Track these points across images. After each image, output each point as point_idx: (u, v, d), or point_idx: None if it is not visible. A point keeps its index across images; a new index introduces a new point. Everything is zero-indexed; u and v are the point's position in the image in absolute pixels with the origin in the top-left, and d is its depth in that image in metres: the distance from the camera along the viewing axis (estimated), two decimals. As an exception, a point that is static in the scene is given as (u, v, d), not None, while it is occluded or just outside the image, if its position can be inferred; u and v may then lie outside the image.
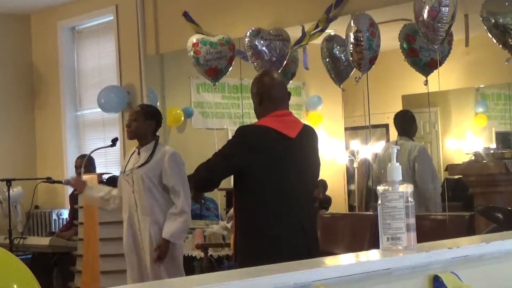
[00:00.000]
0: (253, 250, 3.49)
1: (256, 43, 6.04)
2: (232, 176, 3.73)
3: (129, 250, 4.99)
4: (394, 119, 6.74)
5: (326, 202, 7.70)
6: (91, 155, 6.83)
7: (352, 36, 5.57)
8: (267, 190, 3.52)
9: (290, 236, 3.51)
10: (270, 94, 3.66)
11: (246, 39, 6.05)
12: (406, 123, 6.62)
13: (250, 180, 3.53)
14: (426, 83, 5.64)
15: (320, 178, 3.97)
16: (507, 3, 5.05)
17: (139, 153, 4.97)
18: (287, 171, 3.56)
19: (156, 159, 4.90)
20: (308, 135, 3.69)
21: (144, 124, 4.94)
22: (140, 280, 4.90)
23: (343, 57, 6.05)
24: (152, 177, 4.88)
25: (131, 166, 4.97)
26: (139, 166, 4.92)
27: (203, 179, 3.69)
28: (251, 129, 3.72)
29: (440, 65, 5.69)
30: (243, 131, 3.67)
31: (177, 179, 4.86)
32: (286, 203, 3.53)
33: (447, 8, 4.92)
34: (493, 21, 4.99)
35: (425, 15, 4.97)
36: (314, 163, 3.72)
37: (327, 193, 7.81)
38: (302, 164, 3.62)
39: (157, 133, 5.10)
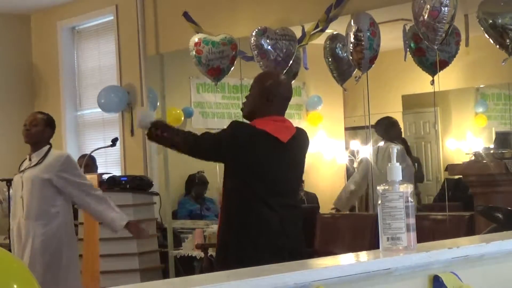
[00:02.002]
0: (233, 246, 3.56)
1: (262, 42, 5.99)
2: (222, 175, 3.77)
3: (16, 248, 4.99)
4: (377, 125, 6.83)
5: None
6: (93, 154, 6.85)
7: (352, 35, 5.56)
8: (251, 188, 3.56)
9: (271, 235, 3.55)
10: (280, 95, 3.69)
11: (252, 38, 6.00)
12: (389, 127, 6.77)
13: (235, 176, 3.59)
14: (432, 82, 5.65)
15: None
16: (502, 3, 5.05)
17: (30, 159, 5.01)
18: (273, 171, 3.60)
19: (48, 162, 4.91)
20: (298, 140, 3.73)
21: (43, 131, 5.03)
22: None
23: (346, 57, 6.03)
24: (43, 179, 4.89)
25: (22, 169, 5.02)
26: (29, 168, 4.94)
27: (186, 143, 3.65)
28: (244, 125, 3.73)
29: (447, 65, 5.70)
30: (236, 126, 3.68)
31: (81, 179, 4.95)
32: (269, 202, 3.56)
33: (447, 8, 4.92)
34: (491, 21, 4.98)
35: (426, 15, 4.97)
36: (300, 165, 3.78)
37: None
38: (289, 166, 3.66)
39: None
